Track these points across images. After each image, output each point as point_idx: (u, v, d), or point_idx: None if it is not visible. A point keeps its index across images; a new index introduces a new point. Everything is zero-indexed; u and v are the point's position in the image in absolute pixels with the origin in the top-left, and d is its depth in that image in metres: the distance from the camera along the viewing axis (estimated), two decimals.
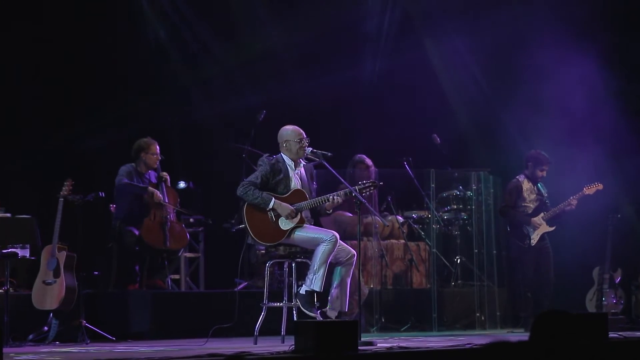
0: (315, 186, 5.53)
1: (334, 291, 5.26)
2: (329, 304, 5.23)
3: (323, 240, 5.21)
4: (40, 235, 6.49)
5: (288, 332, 5.23)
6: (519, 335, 6.21)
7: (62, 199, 5.83)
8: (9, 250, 5.80)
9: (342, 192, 5.28)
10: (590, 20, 7.77)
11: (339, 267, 5.30)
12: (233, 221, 7.08)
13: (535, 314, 6.00)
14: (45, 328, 5.73)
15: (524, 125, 7.79)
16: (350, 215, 6.95)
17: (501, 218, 7.17)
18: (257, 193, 5.28)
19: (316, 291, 5.18)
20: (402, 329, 6.83)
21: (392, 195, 7.29)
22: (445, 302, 7.17)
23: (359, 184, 5.31)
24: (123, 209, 6.59)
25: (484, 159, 8.03)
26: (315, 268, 5.19)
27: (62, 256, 5.76)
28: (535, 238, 6.84)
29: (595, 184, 6.82)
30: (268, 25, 8.26)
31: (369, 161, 7.16)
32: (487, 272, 7.24)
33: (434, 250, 7.18)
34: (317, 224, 5.72)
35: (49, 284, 5.74)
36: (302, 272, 5.37)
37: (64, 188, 5.86)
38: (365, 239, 7.03)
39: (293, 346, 4.30)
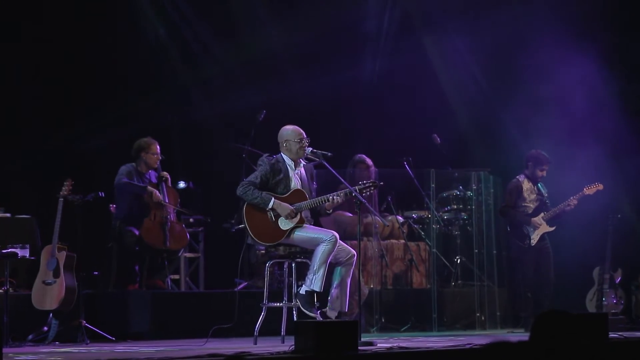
0: (315, 186, 5.53)
1: (334, 291, 5.25)
2: (329, 304, 5.23)
3: (323, 240, 5.20)
4: (40, 235, 6.49)
5: (288, 332, 5.23)
6: (519, 335, 6.20)
7: (62, 199, 5.83)
8: (9, 250, 5.80)
9: (342, 192, 5.28)
10: (590, 20, 7.77)
11: (339, 267, 5.30)
12: (233, 221, 7.08)
13: (536, 314, 5.99)
14: (45, 328, 5.73)
15: (524, 125, 7.79)
16: (350, 215, 6.95)
17: (501, 218, 7.17)
18: (256, 193, 5.28)
19: (316, 291, 5.18)
20: (402, 329, 6.83)
21: (392, 195, 7.29)
22: (445, 302, 7.16)
23: (359, 184, 5.30)
24: (123, 209, 6.59)
25: (484, 159, 8.03)
26: (315, 268, 5.19)
27: (61, 256, 5.76)
28: (535, 238, 6.83)
29: (595, 184, 6.82)
30: (268, 25, 8.26)
31: (369, 161, 7.15)
32: (487, 272, 7.24)
33: (434, 250, 7.18)
34: (317, 224, 5.71)
35: (49, 284, 5.73)
36: (302, 272, 5.37)
37: (63, 188, 5.86)
38: (365, 239, 7.03)
39: (293, 346, 4.29)
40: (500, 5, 8.00)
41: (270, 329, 5.57)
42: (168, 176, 6.74)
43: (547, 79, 7.79)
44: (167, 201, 6.61)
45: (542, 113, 7.67)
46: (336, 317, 5.19)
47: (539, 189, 6.94)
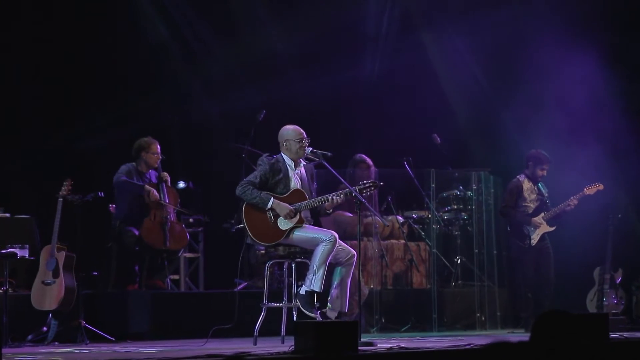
0: (315, 186, 5.52)
1: (333, 291, 5.24)
2: (329, 304, 5.22)
3: (322, 240, 5.19)
4: (39, 235, 6.48)
5: (288, 333, 5.23)
6: (520, 335, 6.19)
7: (62, 199, 5.82)
8: (8, 250, 5.80)
9: (342, 192, 5.27)
10: (590, 20, 7.76)
11: (339, 268, 5.29)
12: (233, 221, 7.07)
13: (536, 314, 6.00)
14: (45, 328, 5.72)
15: (525, 125, 7.79)
16: (350, 215, 6.94)
17: (501, 218, 7.16)
18: (255, 193, 5.27)
19: (316, 291, 5.17)
20: (402, 330, 6.82)
21: (392, 195, 7.28)
22: (445, 302, 7.16)
23: (359, 184, 5.29)
24: (123, 209, 6.58)
25: (484, 158, 8.03)
26: (314, 268, 5.18)
27: (61, 256, 5.75)
28: (535, 238, 6.83)
29: (595, 184, 6.81)
30: (268, 25, 8.25)
31: (369, 161, 7.15)
32: (488, 272, 7.23)
33: (434, 250, 7.17)
34: (317, 224, 5.70)
35: (48, 284, 5.73)
36: (302, 273, 5.36)
37: (63, 188, 5.85)
38: (365, 239, 7.02)
39: (293, 347, 4.29)
40: (500, 5, 7.99)
41: (270, 329, 5.56)
42: (168, 177, 6.73)
43: (547, 79, 7.79)
44: (167, 201, 6.60)
45: (543, 113, 7.66)
46: (336, 318, 5.18)
47: (539, 189, 6.93)
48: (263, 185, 5.33)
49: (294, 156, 5.40)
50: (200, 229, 7.54)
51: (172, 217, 6.63)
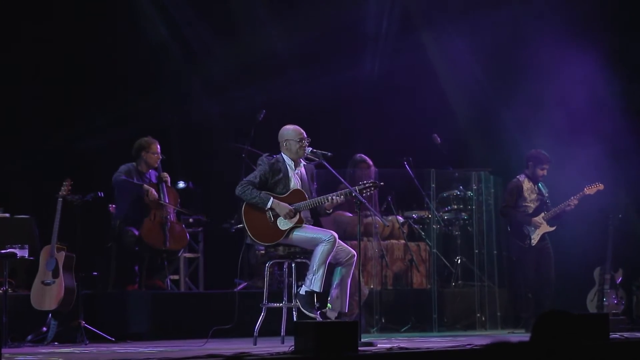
0: (315, 186, 5.52)
1: (333, 292, 5.24)
2: (329, 304, 5.21)
3: (322, 240, 5.19)
4: (39, 235, 6.47)
5: (288, 333, 5.22)
6: (520, 335, 6.19)
7: (61, 199, 5.81)
8: (8, 250, 5.79)
9: (342, 193, 5.26)
10: (590, 20, 7.76)
11: (339, 268, 5.28)
12: (233, 221, 7.07)
13: (536, 314, 5.99)
14: (44, 329, 5.72)
15: (525, 124, 7.78)
16: (350, 215, 6.94)
17: (502, 218, 7.15)
18: (255, 192, 5.27)
19: (316, 292, 5.16)
20: (402, 330, 6.82)
21: (393, 196, 7.28)
22: (445, 302, 7.15)
23: (359, 184, 5.29)
24: (123, 209, 6.58)
25: (484, 158, 8.02)
26: (314, 268, 5.18)
27: (61, 256, 5.75)
28: (535, 238, 6.82)
29: (596, 184, 6.80)
30: (268, 25, 8.25)
31: (369, 161, 7.15)
32: (488, 272, 7.23)
33: (435, 250, 7.17)
34: (317, 224, 5.70)
35: (48, 284, 5.72)
36: (302, 273, 5.36)
37: (62, 188, 5.85)
38: (365, 239, 7.02)
39: (293, 347, 4.28)
40: (500, 5, 7.99)
41: (270, 330, 5.56)
42: (168, 177, 6.73)
43: (547, 79, 7.79)
44: (167, 201, 6.59)
45: (543, 113, 7.66)
46: (336, 318, 5.18)
47: (539, 189, 6.92)
48: (263, 185, 5.33)
49: (294, 156, 5.39)
50: (200, 229, 7.53)
51: (172, 217, 6.62)
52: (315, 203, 5.31)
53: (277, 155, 5.44)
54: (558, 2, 7.95)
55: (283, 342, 5.28)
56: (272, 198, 5.27)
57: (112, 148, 7.30)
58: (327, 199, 5.26)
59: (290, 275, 5.43)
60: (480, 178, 7.39)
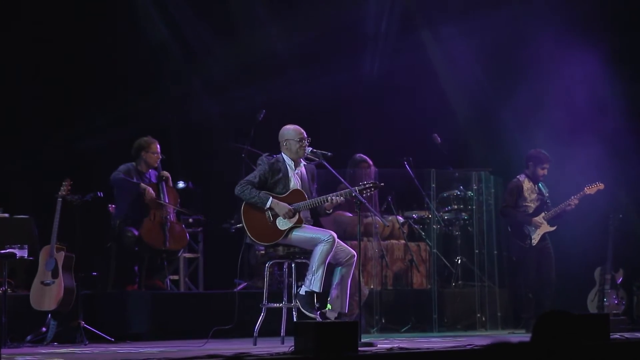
0: (315, 186, 5.51)
1: (333, 292, 5.23)
2: (328, 304, 5.21)
3: (321, 240, 5.18)
4: (38, 235, 6.47)
5: (288, 333, 5.21)
6: (520, 336, 6.18)
7: (61, 199, 5.81)
8: (7, 250, 5.78)
9: (342, 193, 5.26)
10: (590, 20, 7.75)
11: (339, 268, 5.28)
12: (232, 221, 7.06)
13: (537, 314, 5.98)
14: (44, 329, 5.71)
15: (525, 124, 7.78)
16: (350, 215, 6.93)
17: (502, 218, 7.15)
18: (254, 192, 5.26)
19: (316, 292, 5.16)
20: (402, 330, 6.81)
21: (393, 196, 7.27)
22: (445, 302, 7.14)
23: (359, 185, 5.28)
24: (122, 209, 6.57)
25: (484, 158, 8.01)
26: (313, 269, 5.17)
27: (60, 257, 5.74)
28: (536, 238, 6.81)
29: (596, 184, 6.80)
30: (268, 25, 8.25)
31: (370, 161, 7.14)
32: (488, 272, 7.22)
33: (435, 250, 7.16)
34: (317, 224, 5.69)
35: (47, 284, 5.71)
36: (302, 273, 5.35)
37: (62, 188, 5.84)
38: (365, 239, 7.01)
39: (293, 347, 4.27)
40: (500, 5, 7.99)
41: (270, 330, 5.55)
42: (169, 175, 6.72)
43: (547, 79, 7.78)
44: (167, 201, 6.59)
45: (543, 113, 7.65)
46: (336, 318, 5.17)
47: (539, 189, 6.91)
48: (262, 185, 5.32)
49: (294, 156, 5.38)
50: (199, 229, 7.52)
51: (171, 217, 6.61)
52: (315, 203, 5.30)
53: (277, 155, 5.43)
54: (558, 2, 7.95)
55: (283, 343, 5.27)
56: (271, 198, 5.26)
57: (112, 148, 7.30)
58: (327, 200, 5.25)
59: (290, 275, 5.42)
60: (480, 178, 7.38)
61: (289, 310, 5.35)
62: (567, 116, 7.60)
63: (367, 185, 5.26)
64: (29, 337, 5.70)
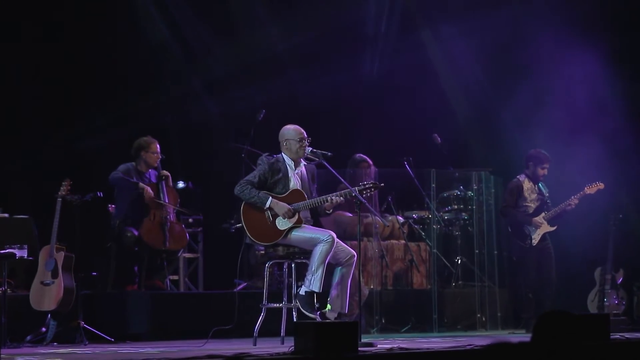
0: (315, 187, 5.50)
1: (333, 292, 5.23)
2: (328, 304, 5.20)
3: (320, 240, 5.18)
4: (38, 235, 6.46)
5: (288, 333, 5.21)
6: (521, 336, 6.17)
7: (60, 199, 5.80)
8: (7, 250, 5.78)
9: (341, 193, 5.25)
10: (590, 20, 7.75)
11: (339, 268, 5.27)
12: (232, 221, 7.06)
13: (537, 314, 5.97)
14: (43, 329, 5.71)
15: (525, 124, 7.77)
16: (351, 215, 6.92)
17: (502, 218, 7.14)
18: (254, 192, 5.26)
19: (315, 292, 5.15)
20: (402, 330, 6.81)
21: (393, 196, 7.27)
22: (445, 303, 7.14)
23: (359, 185, 5.27)
24: (122, 209, 6.57)
25: (484, 158, 8.01)
26: (313, 269, 5.16)
27: (60, 257, 5.73)
28: (536, 238, 6.81)
29: (596, 183, 6.79)
30: (268, 25, 8.24)
31: (370, 160, 7.14)
32: (488, 272, 7.22)
33: (435, 250, 7.16)
34: (317, 224, 5.69)
35: (47, 284, 5.71)
36: (302, 273, 5.35)
37: (62, 188, 5.84)
38: (365, 239, 7.01)
39: (293, 347, 4.27)
40: (500, 5, 7.98)
41: (270, 330, 5.55)
42: (168, 175, 6.72)
43: (547, 79, 7.78)
44: (167, 201, 6.58)
45: (543, 112, 7.65)
46: (336, 318, 5.16)
47: (539, 189, 6.91)
48: (262, 184, 5.32)
49: (294, 156, 5.38)
50: (199, 229, 7.52)
51: (171, 217, 6.61)
52: (315, 203, 5.30)
53: (278, 155, 5.43)
54: (558, 2, 7.94)
55: (283, 343, 5.27)
56: (270, 198, 5.26)
57: (112, 148, 7.30)
58: (327, 200, 5.25)
59: (290, 275, 5.42)
60: (480, 178, 7.38)
61: (289, 311, 5.35)
62: (567, 116, 7.60)
63: (367, 186, 5.26)
64: (28, 337, 5.70)
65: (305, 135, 5.40)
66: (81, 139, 7.49)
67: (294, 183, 5.36)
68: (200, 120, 8.22)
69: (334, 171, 5.29)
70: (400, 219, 7.29)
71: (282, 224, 5.27)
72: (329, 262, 5.23)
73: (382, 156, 7.31)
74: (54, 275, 5.70)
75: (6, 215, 6.60)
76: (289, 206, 5.24)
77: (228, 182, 5.75)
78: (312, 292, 5.15)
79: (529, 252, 6.80)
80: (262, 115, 6.98)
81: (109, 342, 5.77)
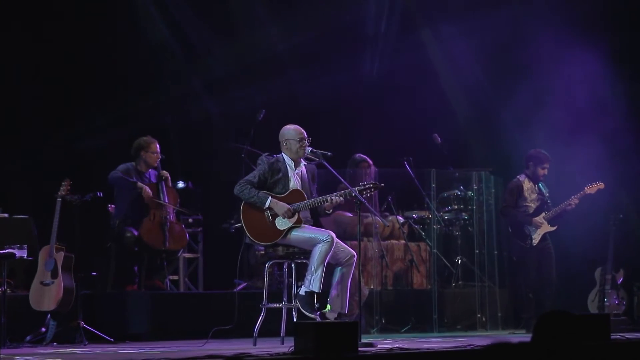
0: (315, 187, 5.50)
1: (333, 292, 5.23)
2: (328, 305, 5.20)
3: (319, 240, 5.17)
4: (38, 235, 6.46)
5: (288, 334, 5.21)
6: (521, 336, 6.17)
7: (60, 199, 5.80)
8: (7, 250, 5.77)
9: (341, 194, 5.25)
10: (590, 19, 7.75)
11: (339, 268, 5.27)
12: (232, 221, 7.05)
13: (537, 314, 5.97)
14: (43, 329, 5.70)
15: (525, 124, 7.77)
16: (351, 215, 6.92)
17: (502, 218, 7.14)
18: (253, 192, 5.26)
19: (315, 292, 5.15)
20: (402, 330, 6.81)
21: (393, 196, 7.27)
22: (446, 303, 7.14)
23: (359, 185, 5.27)
24: (122, 209, 6.56)
25: (485, 158, 8.01)
26: (312, 269, 5.16)
27: (59, 257, 5.73)
28: (536, 238, 6.80)
29: (596, 183, 6.79)
30: (268, 25, 8.24)
31: (370, 160, 7.14)
32: (488, 272, 7.21)
33: (435, 250, 7.15)
34: (317, 224, 5.69)
35: (47, 284, 5.71)
36: (302, 273, 5.34)
37: (61, 188, 5.83)
38: (365, 239, 7.00)
39: (292, 347, 4.27)
40: (500, 5, 7.98)
41: (270, 330, 5.54)
42: (168, 175, 6.71)
43: (547, 79, 7.78)
44: (166, 201, 6.58)
45: (543, 112, 7.65)
46: (336, 318, 5.16)
47: (539, 189, 6.91)
48: (262, 184, 5.32)
49: (294, 156, 5.38)
50: (199, 229, 7.52)
51: (171, 217, 6.61)
52: (314, 203, 5.30)
53: (278, 155, 5.43)
54: (558, 2, 7.94)
55: (283, 343, 5.26)
56: (270, 197, 5.25)
57: (112, 148, 7.30)
58: (327, 200, 5.24)
59: (290, 275, 5.41)
60: (480, 178, 7.38)
61: (289, 311, 5.35)
62: (567, 116, 7.60)
63: (367, 186, 5.25)
64: (28, 338, 5.69)
65: (306, 135, 5.39)
66: (81, 139, 7.49)
67: (294, 183, 5.36)
68: (200, 120, 8.22)
69: (334, 171, 5.28)
70: (401, 219, 7.29)
71: (281, 223, 5.26)
72: (329, 262, 5.23)
73: (382, 156, 7.30)
74: (54, 275, 5.70)
75: (6, 215, 6.60)
76: (289, 206, 5.24)
77: (228, 182, 5.74)
78: (312, 292, 5.14)
79: (529, 252, 6.80)
80: (262, 115, 6.98)
81: (109, 342, 5.77)
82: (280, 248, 5.32)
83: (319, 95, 7.93)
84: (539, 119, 7.64)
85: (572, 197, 6.78)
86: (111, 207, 6.73)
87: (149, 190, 6.47)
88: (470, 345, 4.71)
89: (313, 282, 5.14)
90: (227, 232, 7.12)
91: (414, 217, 7.45)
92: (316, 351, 4.04)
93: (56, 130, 7.50)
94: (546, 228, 6.83)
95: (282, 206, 5.24)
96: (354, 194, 5.17)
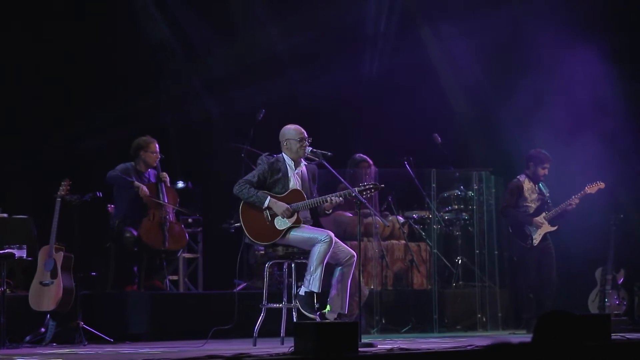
0: (315, 187, 5.49)
1: (333, 292, 5.22)
2: (328, 305, 5.19)
3: (318, 240, 5.17)
4: (37, 235, 6.45)
5: (287, 334, 5.20)
6: (521, 336, 6.16)
7: (60, 199, 5.80)
8: (6, 250, 5.77)
9: (341, 194, 5.24)
10: (590, 19, 7.75)
11: (339, 268, 5.26)
12: (232, 221, 7.05)
13: (538, 314, 5.97)
14: (43, 329, 5.70)
15: (526, 124, 7.77)
16: (351, 215, 6.92)
17: (503, 218, 7.13)
18: (252, 191, 5.25)
19: (315, 292, 5.14)
20: (402, 331, 6.80)
21: (393, 196, 7.26)
22: (446, 303, 7.13)
23: (359, 186, 5.27)
24: (122, 209, 6.56)
25: (485, 158, 8.00)
26: (312, 269, 5.16)
27: (59, 257, 5.73)
28: (537, 238, 6.80)
29: (597, 183, 6.78)
30: (268, 25, 8.24)
31: (370, 160, 7.13)
32: (489, 272, 7.21)
33: (435, 250, 7.15)
34: (317, 224, 5.68)
35: (46, 284, 5.70)
36: (302, 273, 5.34)
37: (61, 188, 5.83)
38: (365, 239, 7.00)
39: (292, 348, 4.26)
40: (500, 5, 7.98)
41: (270, 330, 5.54)
42: (167, 177, 6.71)
43: (548, 79, 7.78)
44: (166, 201, 6.57)
45: (543, 112, 7.64)
46: (335, 319, 5.15)
47: (540, 189, 6.90)
48: (261, 184, 5.31)
49: (294, 156, 5.37)
50: (199, 229, 7.51)
51: (171, 217, 6.60)
52: (314, 203, 5.29)
53: (278, 155, 5.42)
54: (558, 2, 7.94)
55: (283, 343, 5.25)
56: (269, 197, 5.25)
57: (112, 148, 7.30)
58: (326, 200, 5.24)
59: (289, 275, 5.41)
60: (481, 178, 7.37)
61: (289, 311, 5.34)
62: (567, 116, 7.59)
63: (367, 186, 5.25)
64: (27, 338, 5.69)
65: (306, 135, 5.39)
66: (81, 139, 7.49)
67: (294, 183, 5.36)
68: (200, 120, 8.21)
69: (334, 171, 5.28)
70: (401, 219, 7.28)
71: (280, 223, 5.26)
72: (328, 263, 5.22)
73: (382, 156, 7.30)
74: (53, 275, 5.69)
75: (5, 215, 6.59)
76: (288, 206, 5.24)
77: (228, 182, 5.74)
78: (312, 292, 5.14)
79: (530, 252, 6.79)
80: (262, 115, 6.97)
81: (109, 342, 5.76)
82: (280, 248, 5.32)
83: (319, 95, 7.92)
84: (539, 119, 7.63)
85: (573, 197, 6.77)
86: (110, 207, 6.73)
87: (146, 189, 6.46)
88: (471, 345, 4.71)
89: (312, 282, 5.13)
90: (227, 232, 7.12)
91: (414, 217, 7.44)
92: (316, 351, 4.04)
93: (56, 130, 7.50)
94: (547, 228, 6.82)
95: (281, 206, 5.23)
96: (354, 194, 5.16)
